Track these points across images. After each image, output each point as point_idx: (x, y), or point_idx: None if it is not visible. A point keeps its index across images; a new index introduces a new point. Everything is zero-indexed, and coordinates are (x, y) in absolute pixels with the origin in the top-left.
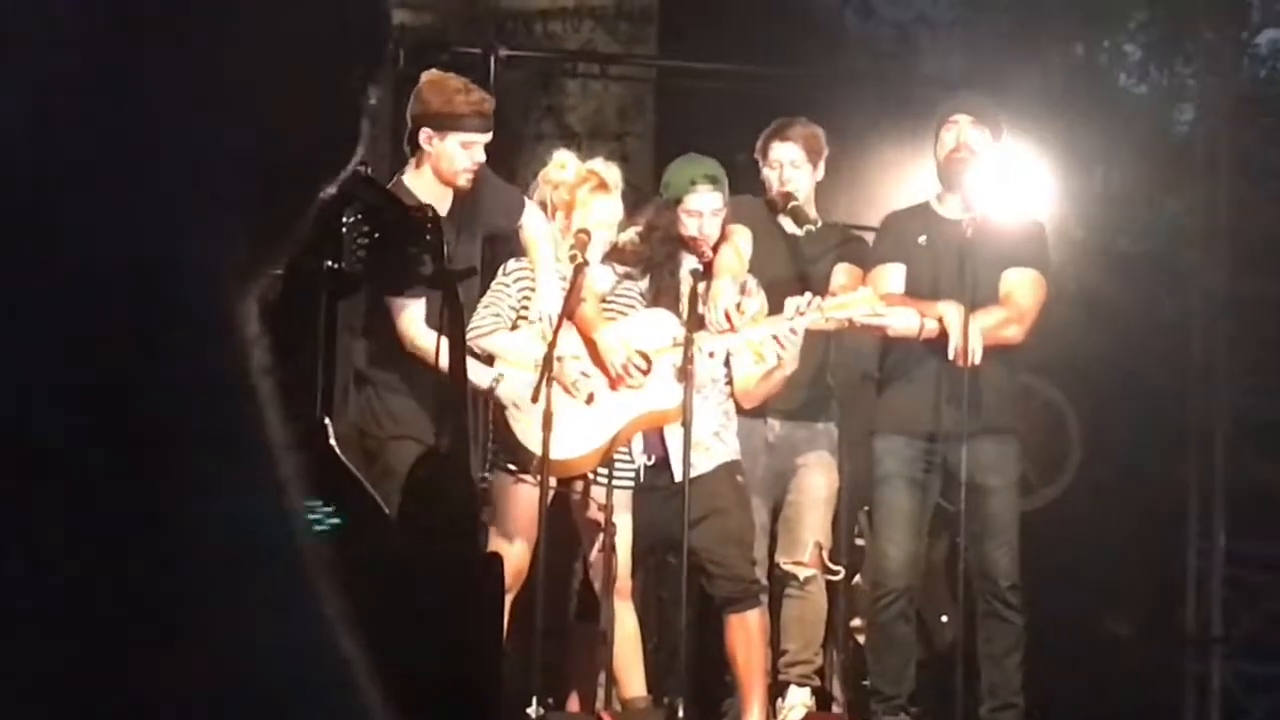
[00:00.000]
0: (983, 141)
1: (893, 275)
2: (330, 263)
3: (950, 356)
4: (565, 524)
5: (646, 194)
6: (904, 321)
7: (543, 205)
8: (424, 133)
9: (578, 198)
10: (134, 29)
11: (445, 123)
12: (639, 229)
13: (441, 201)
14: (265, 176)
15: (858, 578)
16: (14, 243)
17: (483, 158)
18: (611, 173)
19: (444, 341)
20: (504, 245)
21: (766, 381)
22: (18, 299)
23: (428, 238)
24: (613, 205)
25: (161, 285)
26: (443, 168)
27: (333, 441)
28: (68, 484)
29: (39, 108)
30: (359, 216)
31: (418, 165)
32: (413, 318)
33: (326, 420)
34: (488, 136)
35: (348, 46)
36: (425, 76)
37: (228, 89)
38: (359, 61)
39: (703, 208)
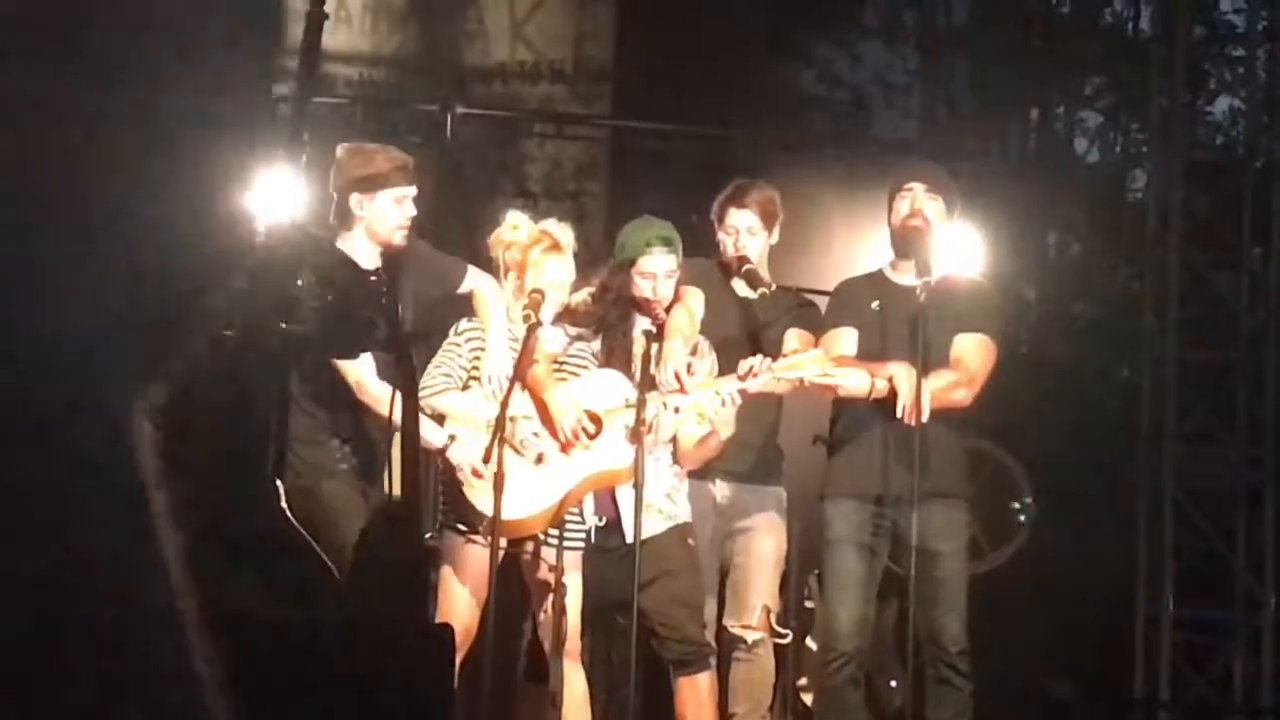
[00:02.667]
0: (936, 210)
1: (845, 339)
2: (283, 324)
3: (899, 415)
4: (515, 584)
5: (601, 253)
6: (854, 381)
7: (495, 266)
8: (353, 198)
9: (530, 258)
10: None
11: (372, 184)
12: (592, 290)
13: (373, 263)
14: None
15: (808, 640)
16: None
17: (414, 211)
18: (565, 234)
19: (397, 402)
20: (453, 306)
21: (703, 446)
22: None
23: (382, 301)
24: (565, 266)
25: None
26: (377, 228)
27: (284, 503)
28: None
29: None
30: (313, 279)
31: (349, 230)
32: (364, 368)
33: (277, 481)
34: (414, 190)
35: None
36: (339, 150)
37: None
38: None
39: (657, 269)
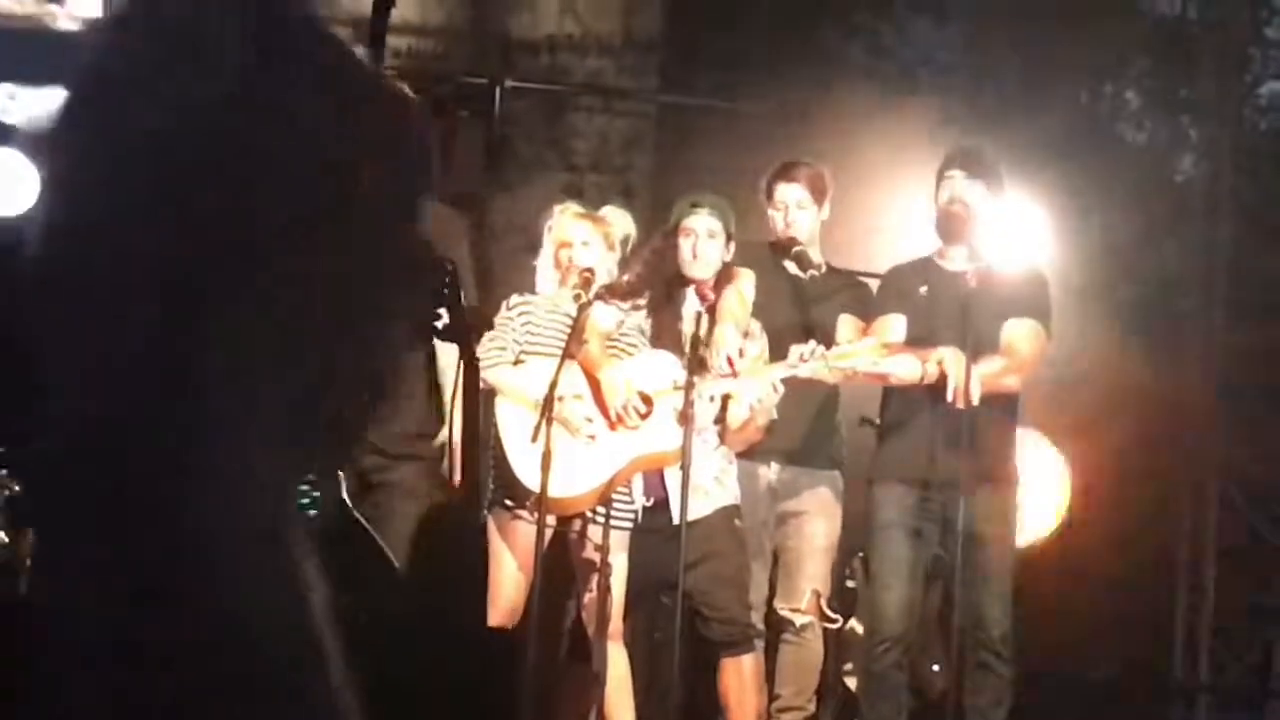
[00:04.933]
0: (977, 195)
1: (895, 326)
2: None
3: (949, 399)
4: (561, 563)
5: (648, 228)
6: (906, 369)
7: (547, 253)
8: None
9: (573, 230)
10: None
11: None
12: (639, 267)
13: None
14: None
15: (852, 623)
16: None
17: None
18: (622, 221)
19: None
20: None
21: (743, 430)
22: None
23: (445, 291)
24: (604, 230)
25: None
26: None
27: (345, 495)
28: None
29: None
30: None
31: None
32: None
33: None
34: None
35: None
36: None
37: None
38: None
39: (697, 227)
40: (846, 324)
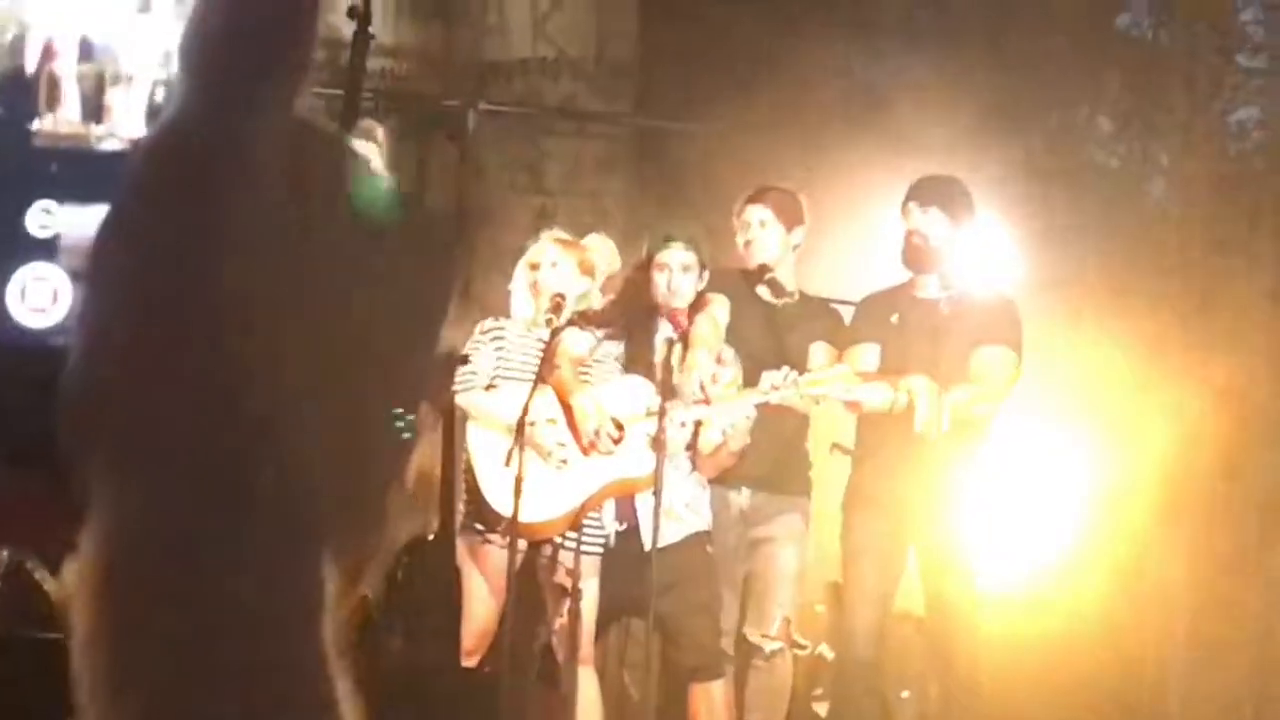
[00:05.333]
0: (937, 227)
1: (867, 354)
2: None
3: (918, 428)
4: (532, 587)
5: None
6: (877, 397)
7: (520, 279)
8: None
9: (547, 254)
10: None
11: None
12: (613, 295)
13: None
14: None
15: (822, 648)
16: None
17: None
18: (604, 248)
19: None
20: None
21: (715, 456)
22: None
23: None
24: (579, 255)
25: None
26: None
27: None
28: None
29: None
30: None
31: None
32: None
33: None
34: None
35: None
36: None
37: None
38: None
39: (671, 261)
40: (819, 351)
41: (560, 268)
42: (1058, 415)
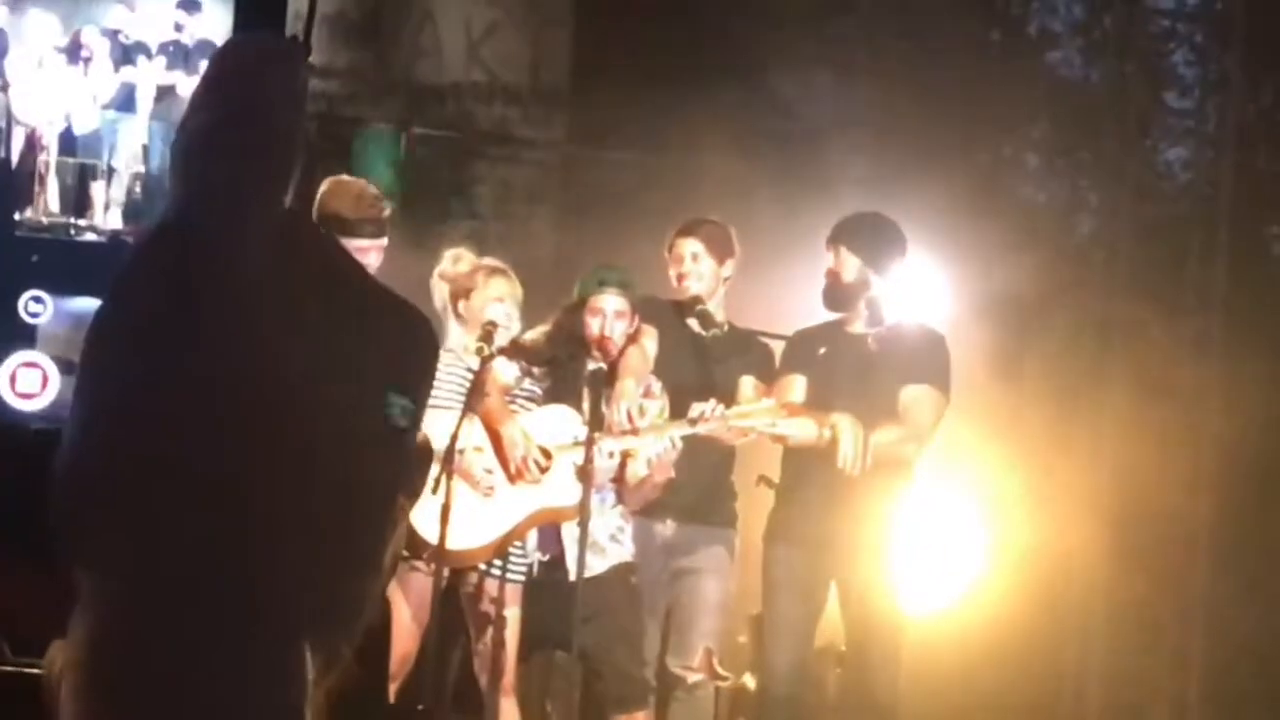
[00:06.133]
0: (852, 268)
1: (795, 386)
2: None
3: (840, 465)
4: (453, 614)
5: (549, 277)
6: (803, 432)
7: (439, 300)
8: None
9: (477, 281)
10: None
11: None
12: (546, 329)
13: None
14: None
15: (745, 677)
16: None
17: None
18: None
19: None
20: None
21: (641, 486)
22: None
23: None
24: (512, 285)
25: None
26: None
27: None
28: None
29: None
30: None
31: None
32: None
33: None
34: (382, 242)
35: None
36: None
37: None
38: None
39: (605, 307)
40: (747, 384)
41: (490, 295)
42: (981, 446)
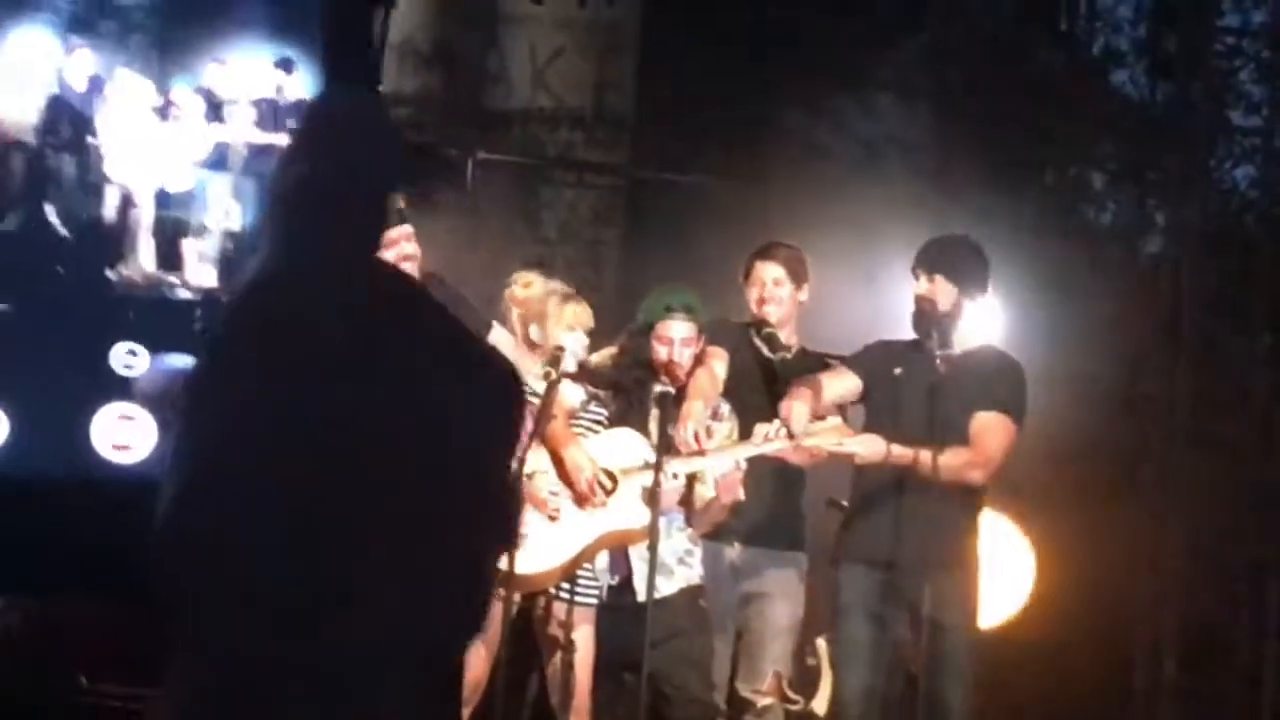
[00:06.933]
0: (943, 294)
1: (842, 380)
2: None
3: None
4: (525, 638)
5: (615, 302)
6: (869, 448)
7: (509, 323)
8: None
9: (549, 308)
10: None
11: None
12: (612, 352)
13: None
14: None
15: (814, 704)
16: None
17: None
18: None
19: None
20: None
21: (709, 510)
22: None
23: None
24: (583, 311)
25: None
26: None
27: None
28: None
29: None
30: None
31: None
32: None
33: None
34: (408, 229)
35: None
36: None
37: None
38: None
39: (674, 335)
40: None
41: (564, 321)
42: (1050, 462)
